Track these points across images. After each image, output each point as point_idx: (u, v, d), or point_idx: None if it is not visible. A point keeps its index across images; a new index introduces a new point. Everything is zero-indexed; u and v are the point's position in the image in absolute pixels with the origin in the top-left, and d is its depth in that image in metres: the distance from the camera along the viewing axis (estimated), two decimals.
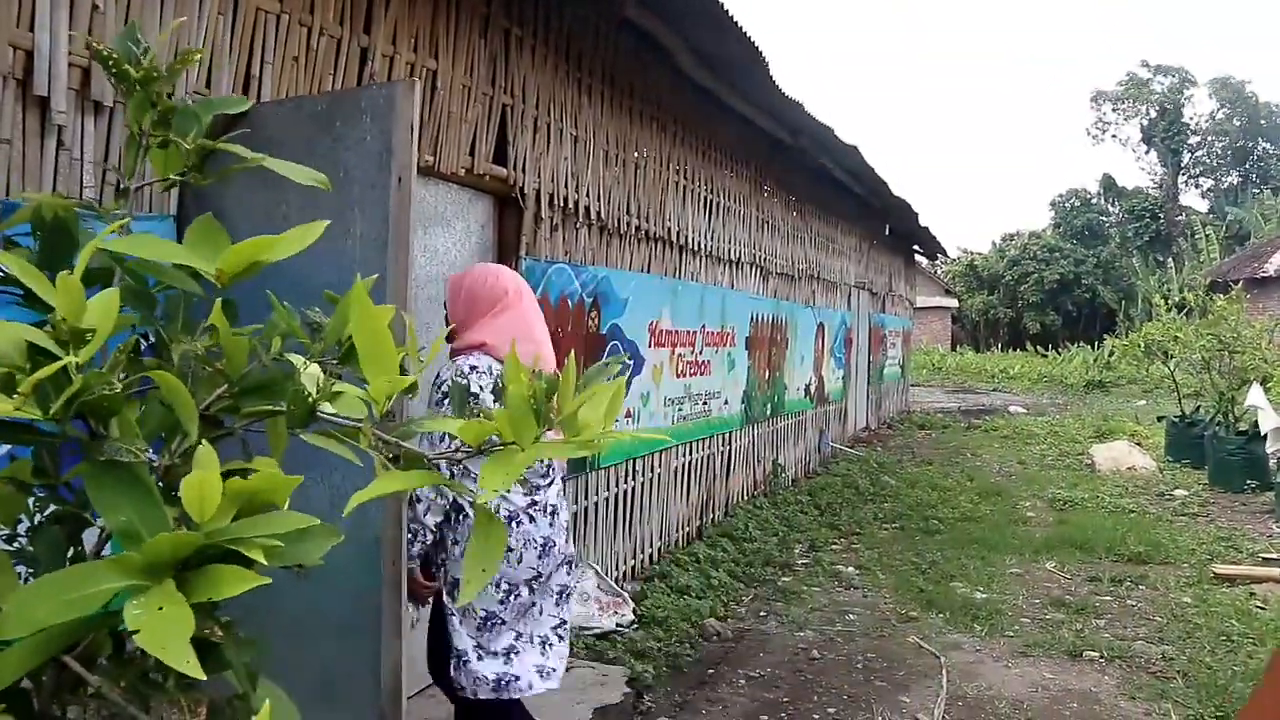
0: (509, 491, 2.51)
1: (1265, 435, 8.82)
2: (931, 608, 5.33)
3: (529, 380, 0.88)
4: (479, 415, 0.95)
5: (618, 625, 4.68)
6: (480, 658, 2.52)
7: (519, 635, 2.60)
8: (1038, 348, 33.44)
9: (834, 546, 6.82)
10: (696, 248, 6.47)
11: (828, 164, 8.80)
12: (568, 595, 2.74)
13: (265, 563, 0.78)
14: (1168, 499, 8.90)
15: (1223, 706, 3.97)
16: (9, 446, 2.00)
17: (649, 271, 5.76)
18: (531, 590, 2.61)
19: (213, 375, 0.94)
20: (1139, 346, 12.55)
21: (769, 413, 8.30)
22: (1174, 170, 41.58)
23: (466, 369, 2.53)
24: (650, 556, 5.86)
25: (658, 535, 5.99)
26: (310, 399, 0.91)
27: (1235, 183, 41.52)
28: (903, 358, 15.84)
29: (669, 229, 6.00)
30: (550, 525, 2.64)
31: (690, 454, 6.52)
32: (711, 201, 6.76)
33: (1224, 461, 9.45)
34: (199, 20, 2.65)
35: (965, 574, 6.07)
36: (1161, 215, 39.60)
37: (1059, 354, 30.92)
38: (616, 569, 5.41)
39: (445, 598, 2.60)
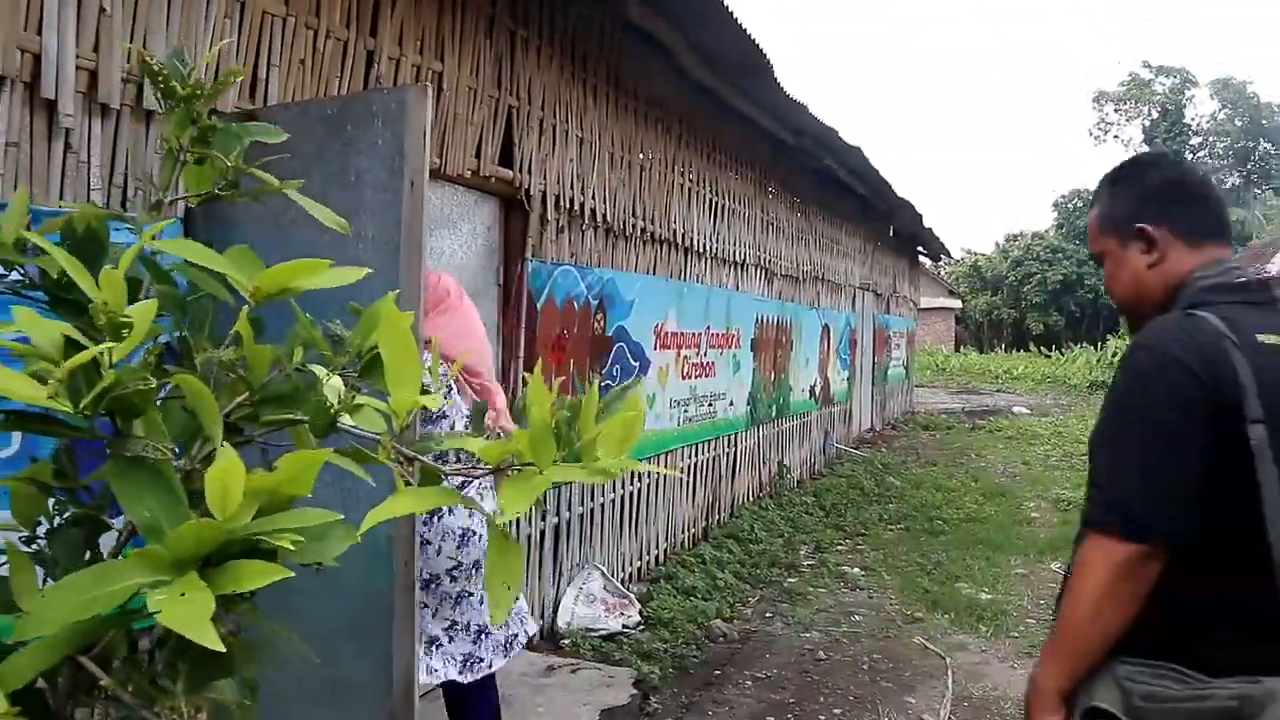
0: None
1: None
2: (937, 608, 5.33)
3: (550, 405, 0.88)
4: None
5: (624, 627, 4.68)
6: None
7: (453, 624, 2.72)
8: (1041, 348, 33.48)
9: (839, 548, 6.82)
10: (701, 250, 6.47)
11: (832, 165, 8.80)
12: (463, 598, 2.78)
13: (290, 555, 0.79)
14: None
15: None
16: (27, 447, 2.01)
17: (654, 273, 5.77)
18: (454, 579, 2.69)
19: (234, 383, 0.95)
20: None
21: (774, 414, 8.29)
22: None
23: None
24: (656, 558, 5.87)
25: (663, 536, 5.99)
26: (332, 410, 0.91)
27: (1237, 183, 41.50)
28: (907, 359, 15.83)
29: (674, 231, 6.00)
30: (470, 515, 2.71)
31: (696, 455, 6.52)
32: (716, 203, 6.76)
33: None
34: (206, 23, 2.65)
35: (970, 575, 6.07)
36: None
37: (1062, 354, 30.93)
38: (622, 570, 5.41)
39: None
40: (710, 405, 6.71)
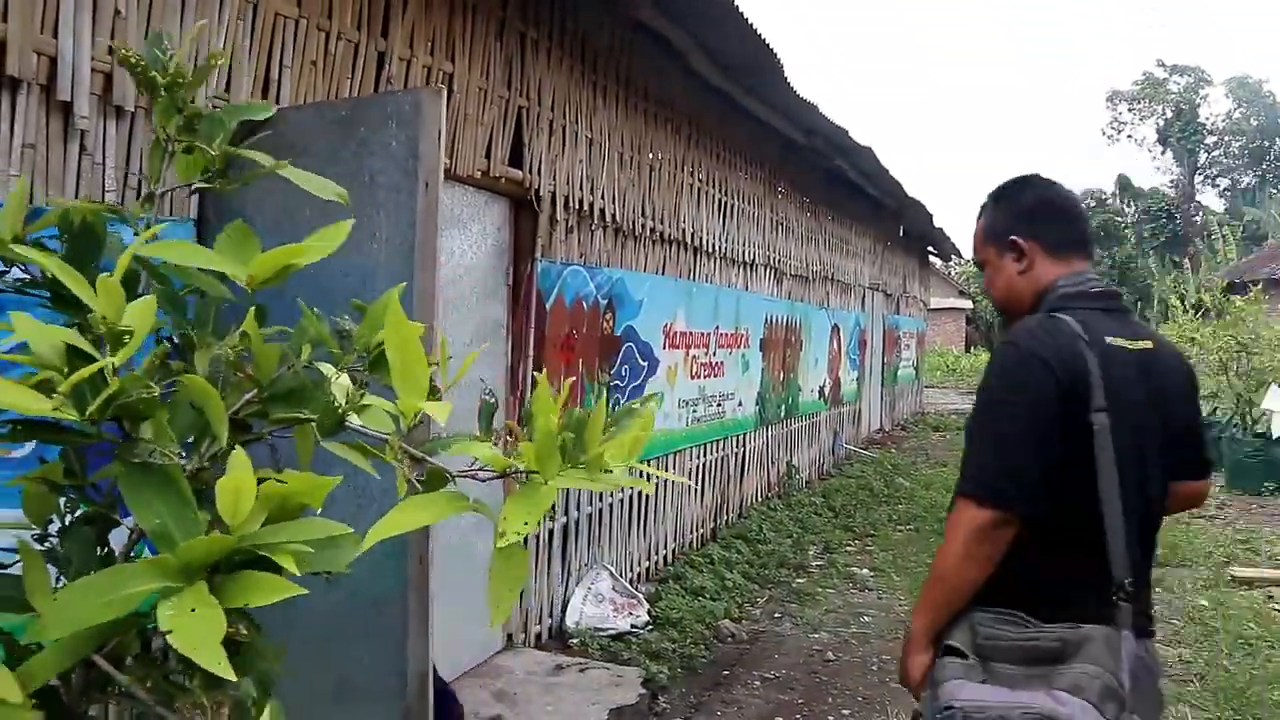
0: None
1: None
2: None
3: (557, 416, 0.89)
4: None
5: (632, 626, 4.69)
6: None
7: None
8: None
9: (848, 548, 6.81)
10: (711, 249, 6.47)
11: (842, 165, 8.78)
12: None
13: (296, 571, 0.78)
14: None
15: (1241, 710, 3.95)
16: (38, 448, 2.03)
17: (663, 273, 5.77)
18: None
19: (241, 380, 0.95)
20: None
21: (783, 414, 8.29)
22: (1190, 170, 41.31)
23: None
24: (665, 558, 5.87)
25: (672, 536, 5.99)
26: (340, 410, 0.91)
27: (1252, 182, 41.16)
28: (917, 359, 15.78)
29: (683, 231, 6.00)
30: None
31: (704, 456, 6.52)
32: (726, 203, 6.76)
33: (1241, 464, 9.38)
34: (219, 25, 2.67)
35: None
36: (1178, 216, 39.32)
37: None
38: (631, 570, 5.42)
39: None
40: (719, 405, 6.71)
